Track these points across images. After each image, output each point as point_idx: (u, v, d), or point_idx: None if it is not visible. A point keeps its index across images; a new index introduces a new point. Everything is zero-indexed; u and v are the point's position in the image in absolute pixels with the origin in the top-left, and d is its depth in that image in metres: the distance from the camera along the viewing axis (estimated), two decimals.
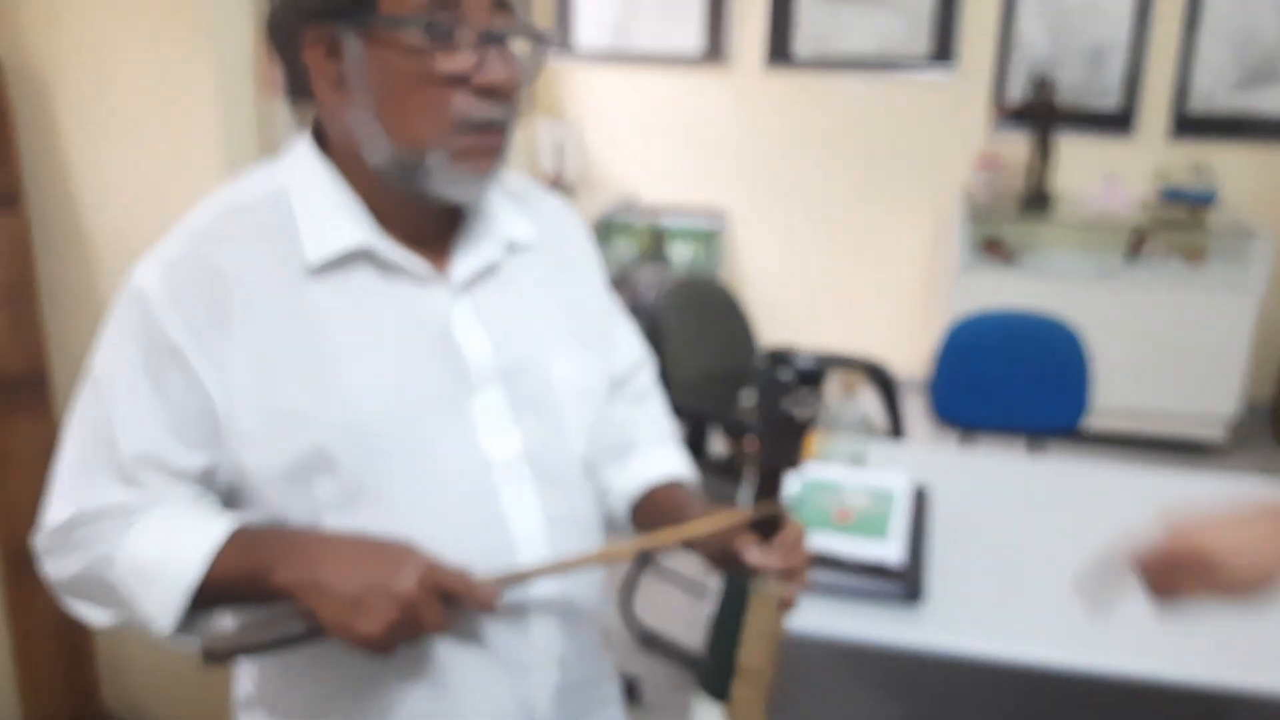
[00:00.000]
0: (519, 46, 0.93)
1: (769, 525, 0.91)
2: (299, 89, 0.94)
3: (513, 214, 1.03)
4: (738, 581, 0.92)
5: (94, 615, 0.96)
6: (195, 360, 0.89)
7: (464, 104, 0.89)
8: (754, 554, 0.89)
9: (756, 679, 0.93)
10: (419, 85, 0.88)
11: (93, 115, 1.67)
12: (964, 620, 1.42)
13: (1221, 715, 1.57)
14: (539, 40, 0.96)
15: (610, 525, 1.13)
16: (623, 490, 1.10)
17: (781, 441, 0.89)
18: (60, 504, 0.93)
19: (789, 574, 0.90)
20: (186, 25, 1.58)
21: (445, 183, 0.92)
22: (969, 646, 1.39)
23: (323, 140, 0.97)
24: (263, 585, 0.87)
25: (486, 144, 0.92)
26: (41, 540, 0.95)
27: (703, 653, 0.95)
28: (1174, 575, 0.97)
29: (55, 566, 0.94)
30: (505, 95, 0.91)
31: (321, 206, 0.93)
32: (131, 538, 0.90)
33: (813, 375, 0.88)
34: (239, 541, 0.89)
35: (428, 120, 0.89)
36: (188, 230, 0.93)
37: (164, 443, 0.91)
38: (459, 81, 0.88)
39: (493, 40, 0.89)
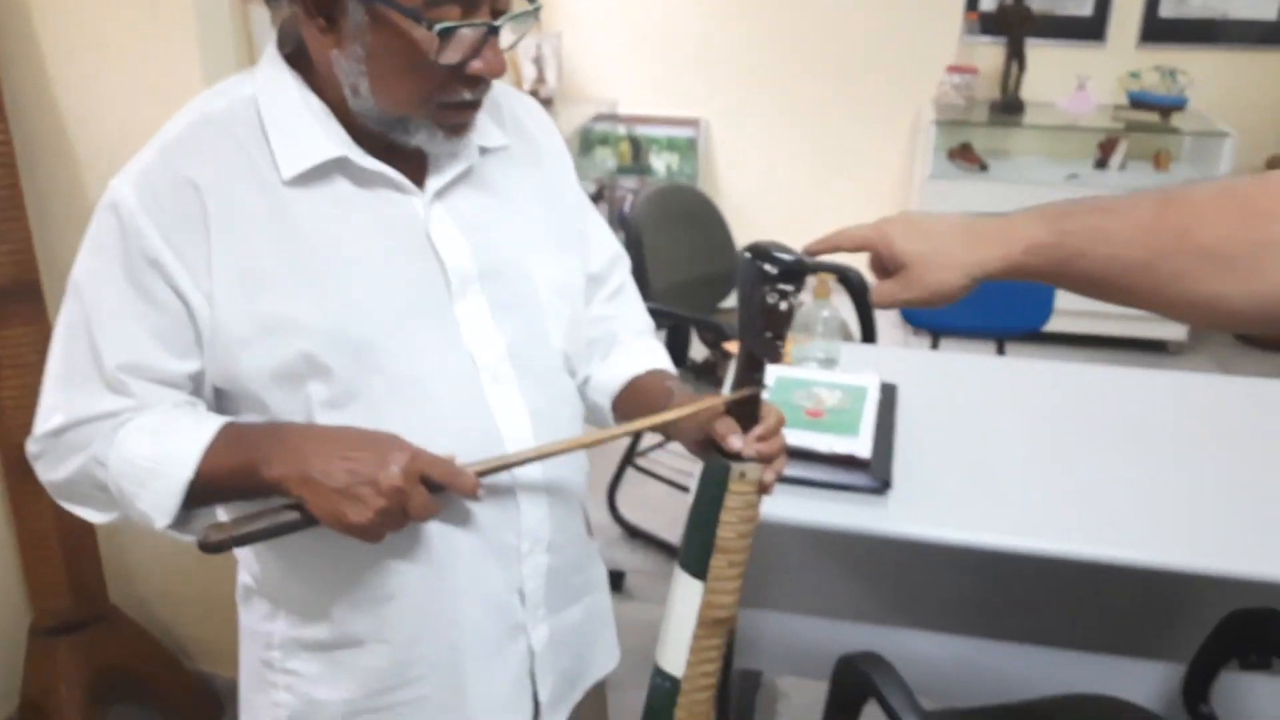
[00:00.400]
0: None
1: (748, 413, 0.94)
2: None
3: (484, 120, 1.04)
4: (718, 465, 0.94)
5: (91, 515, 0.99)
6: (173, 269, 0.91)
7: (452, 90, 0.91)
8: (733, 439, 0.93)
9: (734, 557, 0.95)
10: (413, 67, 0.89)
11: (71, 26, 1.65)
12: (929, 508, 1.50)
13: (1177, 596, 1.68)
14: (530, 15, 0.97)
15: (593, 419, 1.18)
16: (605, 383, 1.15)
17: (762, 331, 0.90)
18: (49, 411, 0.96)
19: (766, 458, 0.94)
20: None
21: (422, 140, 0.94)
22: (933, 532, 1.46)
23: (296, 48, 0.96)
24: (255, 479, 0.90)
25: (466, 118, 0.95)
26: (33, 445, 0.98)
27: (683, 535, 0.99)
28: (879, 269, 0.96)
29: (48, 471, 0.98)
30: (490, 81, 0.93)
31: (292, 118, 0.94)
32: (122, 439, 0.92)
33: (795, 267, 0.91)
34: (228, 437, 0.92)
35: (414, 96, 0.91)
36: (160, 142, 0.94)
37: (148, 350, 0.93)
38: (452, 69, 0.90)
39: (494, 32, 0.90)
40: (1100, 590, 1.70)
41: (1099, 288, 0.87)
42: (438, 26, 0.86)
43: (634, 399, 1.12)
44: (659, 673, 0.98)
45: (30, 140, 1.72)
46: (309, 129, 0.93)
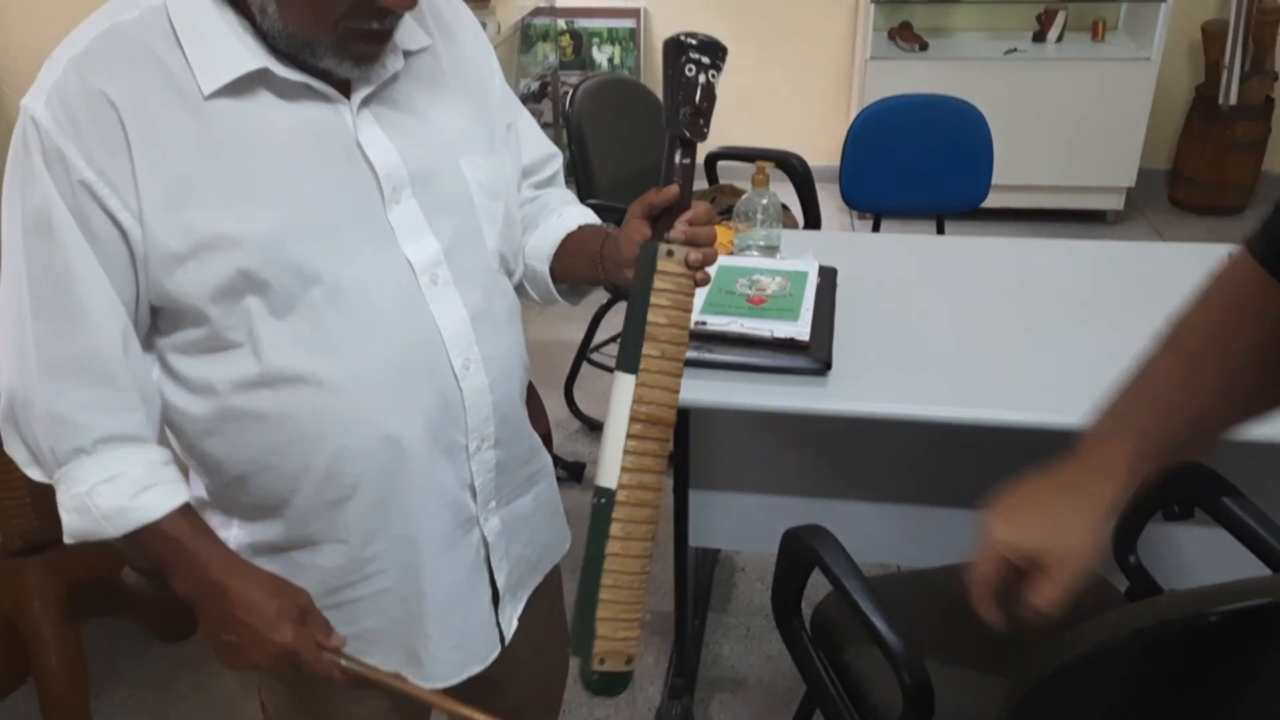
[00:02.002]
0: None
1: (680, 205, 0.97)
2: None
3: (408, 20, 1.02)
4: (648, 247, 0.95)
5: (20, 458, 0.99)
6: (101, 190, 0.89)
7: (360, 14, 0.89)
8: (640, 227, 0.99)
9: (665, 347, 0.93)
10: None
11: None
12: (868, 386, 1.55)
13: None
14: None
15: (535, 288, 1.21)
16: (539, 248, 1.18)
17: (683, 107, 0.92)
18: (17, 381, 0.95)
19: (696, 243, 0.96)
20: None
21: (330, 65, 0.93)
22: (871, 408, 1.52)
23: None
24: (164, 576, 1.00)
25: (375, 49, 0.94)
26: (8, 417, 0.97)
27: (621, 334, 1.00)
28: (1013, 593, 0.90)
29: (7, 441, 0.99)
30: (401, 13, 0.92)
31: (208, 31, 0.91)
32: (80, 466, 0.95)
33: (709, 40, 0.95)
34: (170, 525, 0.97)
35: (319, 21, 0.89)
36: (68, 55, 0.90)
37: (114, 304, 0.93)
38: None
39: None
40: (1036, 455, 1.77)
41: (1205, 445, 0.93)
42: None
43: (568, 254, 1.16)
44: (597, 490, 0.95)
45: None
46: (226, 41, 0.91)
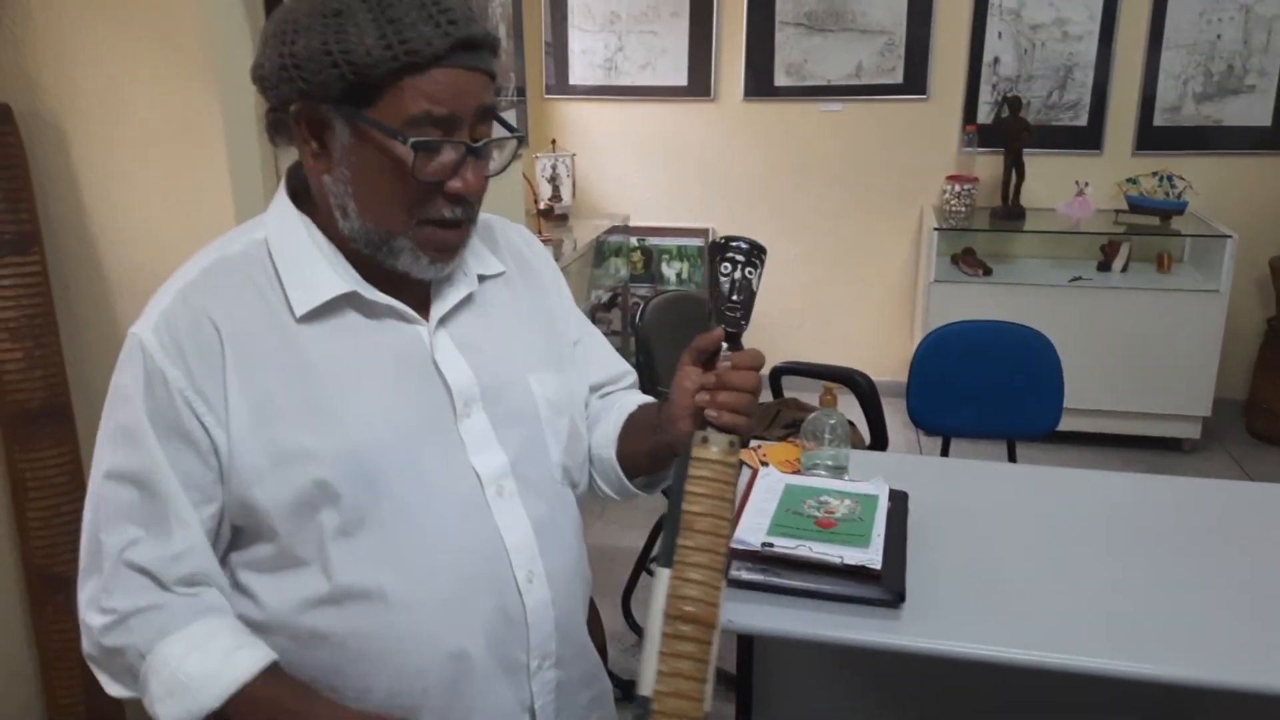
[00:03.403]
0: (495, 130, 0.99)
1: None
2: (278, 131, 0.99)
3: (482, 251, 1.11)
4: (687, 439, 0.95)
5: (108, 684, 1.01)
6: (199, 406, 0.95)
7: (433, 206, 0.96)
8: (690, 373, 1.00)
9: (700, 539, 0.89)
10: (396, 183, 0.94)
11: (105, 157, 1.73)
12: (945, 622, 1.48)
13: (1192, 711, 1.65)
14: (513, 138, 1.03)
15: (606, 481, 1.21)
16: (605, 434, 1.19)
17: (719, 302, 0.97)
18: (111, 596, 0.97)
19: (727, 382, 0.96)
20: (193, 68, 1.65)
21: (408, 263, 0.98)
22: (949, 647, 1.45)
23: (302, 188, 1.02)
24: None
25: (449, 239, 0.99)
26: (94, 642, 0.99)
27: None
28: None
29: (88, 615, 0.99)
30: (472, 200, 0.98)
31: (302, 258, 0.99)
32: (167, 643, 0.96)
33: (750, 245, 0.99)
34: (264, 682, 0.96)
35: (397, 212, 0.96)
36: (179, 285, 0.98)
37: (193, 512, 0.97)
38: (432, 186, 0.95)
39: (473, 153, 0.95)
40: (1118, 701, 1.68)
41: None
42: (413, 140, 0.91)
43: (633, 430, 1.17)
44: (636, 700, 0.88)
45: (64, 265, 1.79)
46: (318, 267, 0.98)
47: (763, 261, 0.99)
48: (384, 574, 0.97)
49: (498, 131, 0.99)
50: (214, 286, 0.98)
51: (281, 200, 1.03)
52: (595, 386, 1.25)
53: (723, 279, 0.97)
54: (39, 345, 1.72)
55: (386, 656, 0.98)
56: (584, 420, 1.20)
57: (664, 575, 0.89)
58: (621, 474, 1.19)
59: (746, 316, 0.98)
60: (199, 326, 0.95)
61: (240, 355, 0.95)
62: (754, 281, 0.98)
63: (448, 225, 0.98)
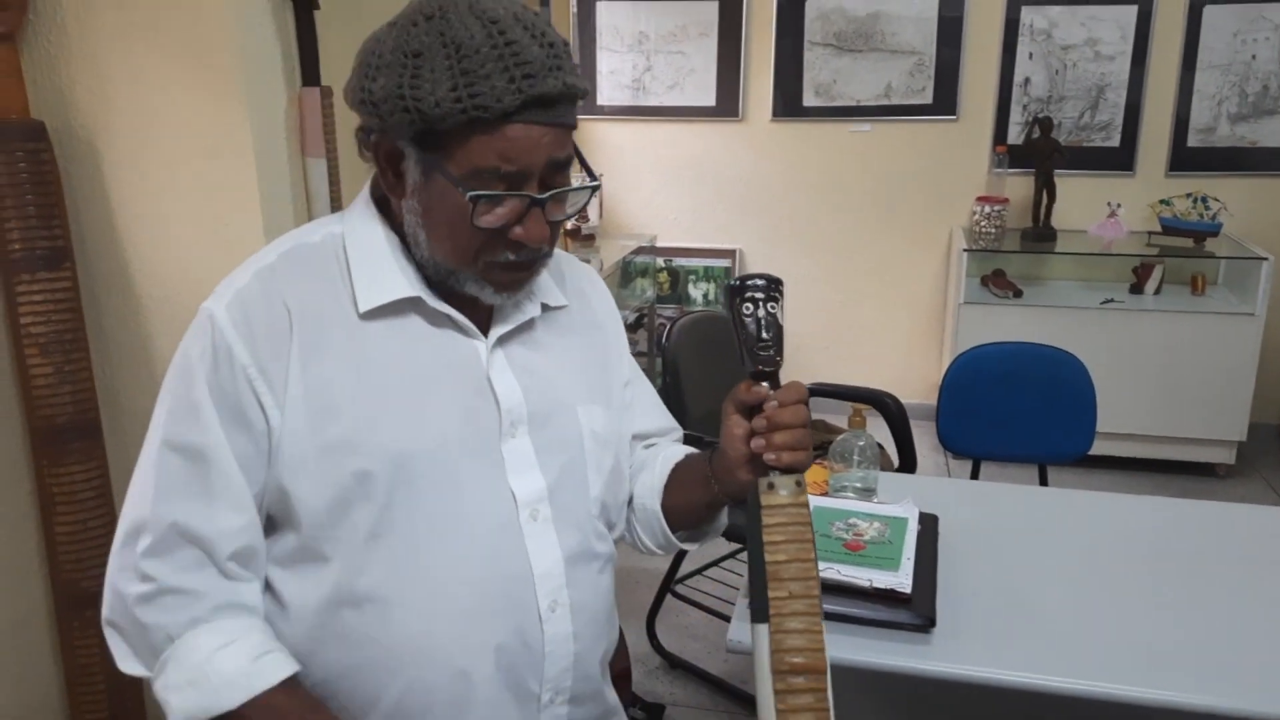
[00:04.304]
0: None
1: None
2: (366, 148, 1.00)
3: (548, 283, 1.11)
4: (752, 489, 0.94)
5: (121, 657, 0.99)
6: (259, 385, 0.95)
7: (496, 248, 0.96)
8: (738, 422, 0.99)
9: (793, 585, 0.88)
10: (457, 227, 0.94)
11: (136, 174, 1.75)
12: (976, 647, 1.46)
13: None
14: (589, 188, 1.04)
15: (648, 531, 1.20)
16: (649, 484, 1.18)
17: (744, 342, 0.96)
18: (157, 562, 0.96)
19: (777, 421, 0.95)
20: (225, 87, 1.67)
21: (475, 290, 0.99)
22: (980, 672, 1.43)
23: (385, 194, 1.03)
24: None
25: (515, 279, 0.99)
26: (125, 610, 0.97)
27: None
28: None
29: (123, 582, 0.97)
30: (537, 248, 0.97)
31: (374, 257, 1.00)
32: (199, 631, 0.95)
33: (765, 281, 0.97)
34: (284, 695, 0.95)
35: (462, 251, 0.96)
36: (256, 267, 1.00)
37: (246, 492, 0.96)
38: (495, 232, 0.95)
39: (535, 204, 0.95)
40: None
41: None
42: (470, 194, 0.91)
43: (680, 481, 1.16)
44: None
45: (95, 281, 1.81)
46: (388, 268, 0.99)
47: (782, 293, 0.98)
48: (406, 582, 0.97)
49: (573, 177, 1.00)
50: (291, 272, 0.99)
51: (364, 200, 1.04)
52: (641, 436, 1.24)
53: (747, 319, 0.96)
54: (69, 360, 1.73)
55: (398, 668, 0.97)
56: (628, 461, 1.19)
57: (762, 631, 0.87)
58: (665, 526, 1.18)
59: (780, 351, 0.97)
60: (272, 307, 0.97)
61: (306, 341, 0.96)
62: (779, 315, 0.97)
63: (513, 268, 0.99)
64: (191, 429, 0.96)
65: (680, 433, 1.30)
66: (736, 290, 0.97)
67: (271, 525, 1.01)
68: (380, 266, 0.99)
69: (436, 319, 1.02)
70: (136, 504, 0.98)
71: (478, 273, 0.98)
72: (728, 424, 1.02)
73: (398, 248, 1.01)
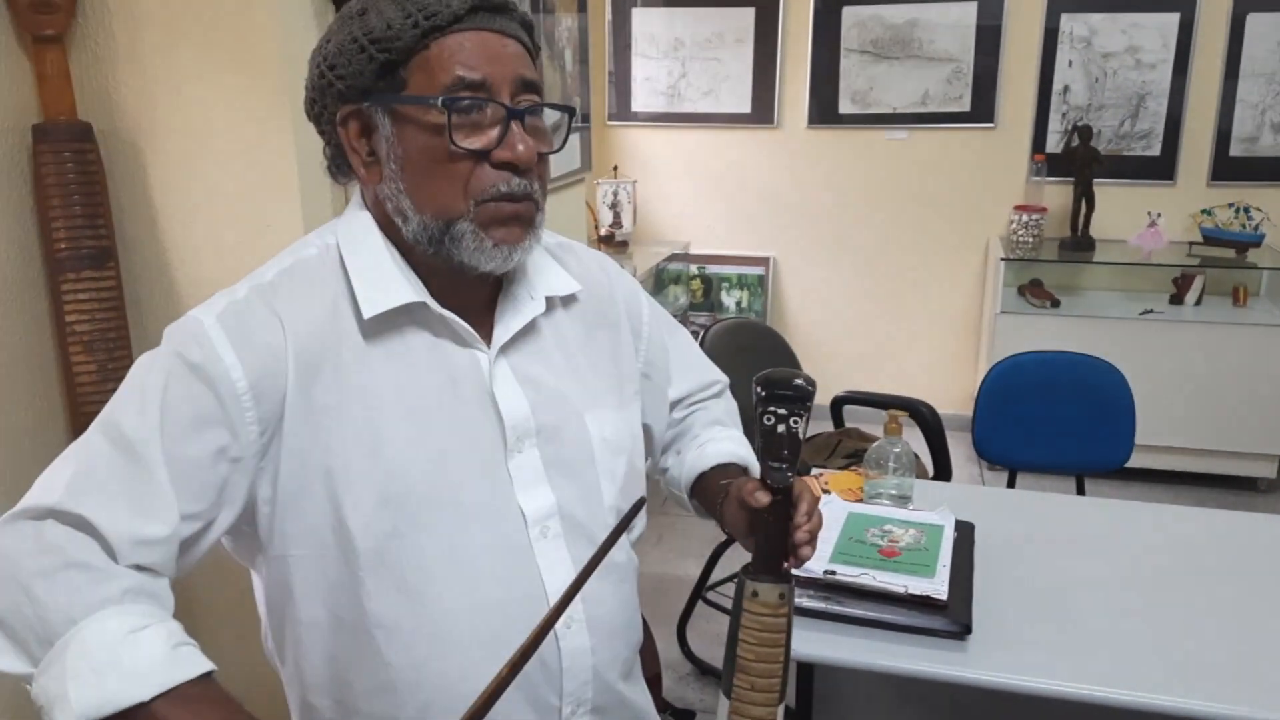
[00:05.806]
0: (546, 118, 0.99)
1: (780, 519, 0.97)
2: (338, 165, 1.00)
3: (552, 270, 1.07)
4: (740, 581, 0.95)
5: None
6: (245, 401, 0.91)
7: (484, 178, 0.93)
8: (758, 494, 0.96)
9: (755, 680, 0.93)
10: (441, 160, 0.92)
11: (180, 177, 1.77)
12: (1012, 655, 1.45)
13: None
14: (562, 111, 1.02)
15: (674, 489, 1.24)
16: (676, 479, 1.22)
17: (764, 456, 0.95)
18: (55, 535, 0.84)
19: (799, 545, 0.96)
20: (269, 94, 1.69)
21: (474, 252, 0.95)
22: (1016, 680, 1.41)
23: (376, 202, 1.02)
24: None
25: (509, 212, 0.95)
26: (21, 526, 0.86)
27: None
28: None
29: (16, 554, 0.84)
30: (524, 169, 0.95)
31: (372, 261, 0.97)
32: (109, 617, 0.82)
33: (788, 391, 0.94)
34: (198, 691, 0.82)
35: (450, 193, 0.93)
36: (255, 284, 0.97)
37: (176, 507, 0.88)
38: (479, 157, 0.93)
39: (514, 117, 0.93)
40: None
41: None
42: (444, 98, 0.90)
43: (701, 494, 1.20)
44: None
45: (137, 281, 1.83)
46: (389, 273, 0.97)
47: (809, 406, 0.93)
48: (414, 610, 0.95)
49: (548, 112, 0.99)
50: (291, 289, 0.96)
51: (356, 206, 1.02)
52: (678, 400, 1.24)
53: (767, 426, 0.93)
54: (112, 358, 1.76)
55: (413, 690, 0.96)
56: (642, 460, 1.16)
57: (724, 706, 0.95)
58: (690, 507, 1.24)
59: (794, 468, 0.95)
60: (268, 324, 0.93)
61: (303, 363, 0.93)
62: (800, 431, 0.93)
63: (505, 199, 0.94)
64: (136, 423, 0.88)
65: (724, 383, 1.31)
66: (763, 397, 0.93)
67: (273, 547, 0.97)
68: (380, 272, 0.97)
69: (439, 330, 0.99)
70: (56, 469, 0.89)
71: (472, 219, 0.94)
72: (731, 509, 1.07)
73: (395, 253, 0.99)
